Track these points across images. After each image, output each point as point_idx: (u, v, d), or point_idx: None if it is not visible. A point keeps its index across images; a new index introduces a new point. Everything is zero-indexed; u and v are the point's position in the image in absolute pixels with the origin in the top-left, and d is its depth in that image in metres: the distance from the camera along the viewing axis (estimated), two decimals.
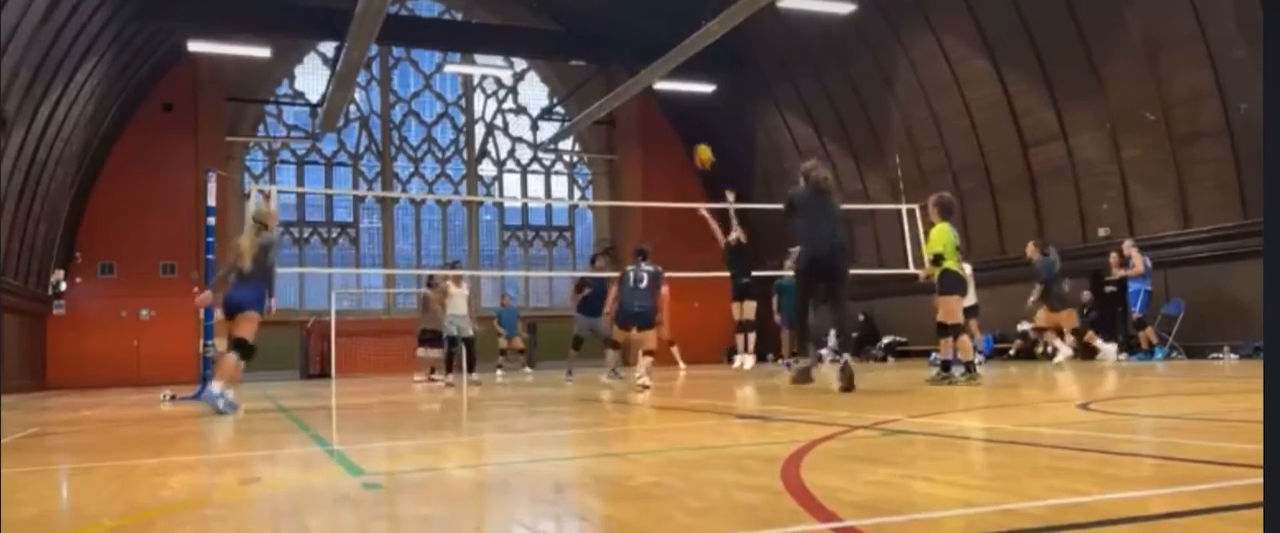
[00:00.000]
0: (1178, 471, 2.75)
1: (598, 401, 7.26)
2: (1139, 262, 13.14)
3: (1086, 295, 14.78)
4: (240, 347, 7.29)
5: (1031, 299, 12.66)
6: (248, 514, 2.59)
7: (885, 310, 19.66)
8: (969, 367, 7.68)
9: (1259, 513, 1.44)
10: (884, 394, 7.11)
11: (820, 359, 8.29)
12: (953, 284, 7.84)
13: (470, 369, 12.23)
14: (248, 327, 7.30)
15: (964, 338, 7.77)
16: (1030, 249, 12.79)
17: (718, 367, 17.61)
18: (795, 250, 7.90)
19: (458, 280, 12.51)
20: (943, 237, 7.78)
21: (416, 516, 2.43)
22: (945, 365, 7.71)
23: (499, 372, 15.35)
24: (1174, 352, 13.09)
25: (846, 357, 6.86)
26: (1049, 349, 12.97)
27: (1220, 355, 12.42)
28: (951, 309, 7.84)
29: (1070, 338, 12.24)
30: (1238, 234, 12.73)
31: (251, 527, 2.46)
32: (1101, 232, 15.05)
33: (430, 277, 14.06)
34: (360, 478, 3.11)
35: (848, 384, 6.64)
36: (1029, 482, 2.49)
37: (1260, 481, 1.42)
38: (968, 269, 13.82)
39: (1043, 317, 12.60)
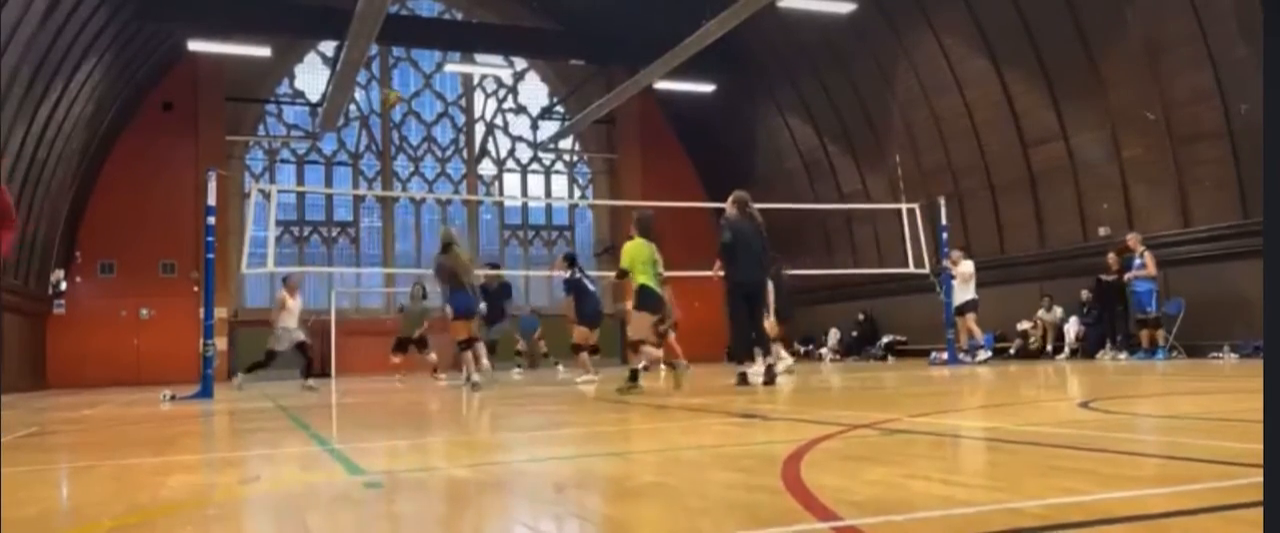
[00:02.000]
0: (1178, 470, 2.75)
1: (597, 400, 7.27)
2: (1151, 263, 13.12)
3: (1085, 295, 14.78)
4: (461, 345, 10.03)
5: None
6: (248, 514, 2.59)
7: (885, 310, 19.66)
8: (633, 375, 7.90)
9: (1259, 513, 1.44)
10: (884, 394, 7.11)
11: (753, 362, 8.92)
12: (645, 301, 7.94)
13: (306, 375, 12.31)
14: (457, 331, 10.00)
15: (650, 348, 8.07)
16: (559, 264, 12.91)
17: (717, 366, 17.60)
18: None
19: (293, 292, 12.31)
20: (634, 253, 7.97)
21: (417, 515, 2.43)
22: (633, 375, 7.89)
23: (516, 371, 15.53)
24: (1174, 351, 13.08)
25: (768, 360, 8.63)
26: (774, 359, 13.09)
27: (1220, 355, 12.41)
28: (639, 326, 7.98)
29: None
30: (1238, 234, 12.73)
31: (251, 527, 2.46)
32: (1102, 231, 15.05)
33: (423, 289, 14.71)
34: (360, 477, 3.11)
35: (769, 380, 8.30)
36: (1029, 482, 2.49)
37: (1260, 480, 1.42)
38: (969, 267, 13.88)
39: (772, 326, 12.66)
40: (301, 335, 12.12)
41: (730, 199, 8.83)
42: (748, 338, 8.64)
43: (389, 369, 15.14)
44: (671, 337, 16.44)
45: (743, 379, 8.43)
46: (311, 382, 11.91)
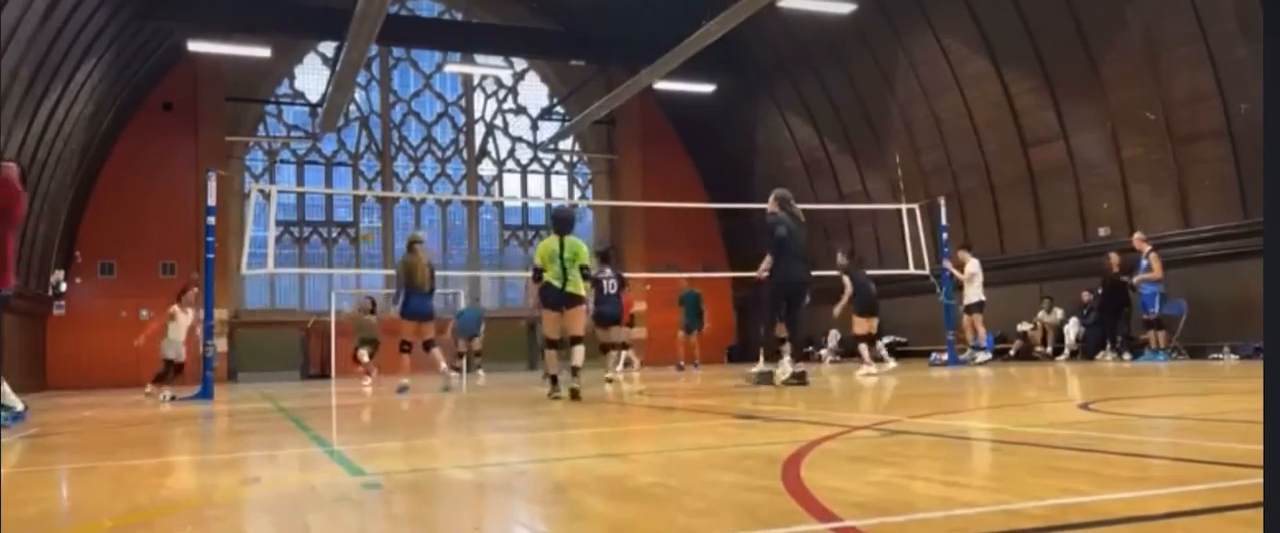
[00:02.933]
0: (1178, 471, 2.75)
1: (597, 401, 7.27)
2: (1157, 265, 13.09)
3: (1086, 296, 14.77)
4: (425, 345, 10.20)
5: (841, 307, 12.43)
6: (248, 514, 2.59)
7: (885, 310, 19.51)
8: (553, 380, 7.69)
9: (1259, 513, 1.44)
10: (884, 395, 7.11)
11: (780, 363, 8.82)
12: (545, 298, 7.71)
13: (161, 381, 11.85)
14: (402, 329, 10.19)
15: (578, 348, 7.83)
16: (841, 258, 12.80)
17: (719, 367, 17.59)
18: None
19: (183, 306, 11.76)
20: (541, 249, 7.86)
21: (416, 516, 2.43)
22: (554, 380, 7.65)
23: (453, 374, 14.42)
24: (1176, 352, 13.07)
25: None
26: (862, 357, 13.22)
27: (1220, 356, 12.41)
28: (548, 324, 7.78)
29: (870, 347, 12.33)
30: (1238, 234, 12.73)
31: (251, 527, 2.46)
32: (1102, 232, 15.05)
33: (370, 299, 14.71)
34: (360, 478, 3.11)
35: (801, 380, 8.20)
36: (1029, 482, 2.49)
37: (1260, 481, 1.42)
38: (975, 265, 13.84)
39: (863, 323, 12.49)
40: (181, 353, 11.34)
41: (773, 198, 8.80)
42: (773, 337, 8.57)
43: (359, 371, 14.83)
44: (693, 337, 16.30)
45: (766, 378, 8.29)
46: (150, 386, 11.35)
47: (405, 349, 10.23)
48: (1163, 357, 12.93)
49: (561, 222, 7.94)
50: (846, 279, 12.08)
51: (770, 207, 8.79)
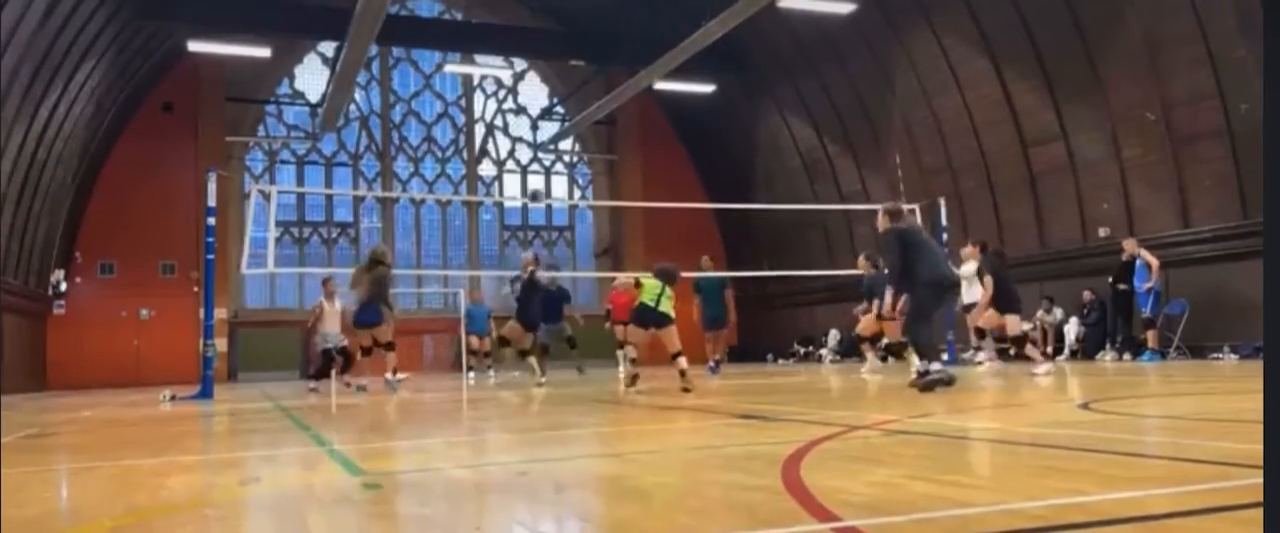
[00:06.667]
0: (1178, 470, 2.75)
1: (598, 401, 7.27)
2: (1156, 268, 13.05)
3: (1087, 295, 14.75)
4: (365, 352, 11.07)
5: (862, 308, 12.76)
6: (248, 514, 2.59)
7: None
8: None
9: (1259, 513, 1.44)
10: (884, 394, 7.11)
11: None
12: (640, 317, 8.48)
13: (344, 372, 12.10)
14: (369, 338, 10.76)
15: (682, 359, 8.40)
16: (862, 263, 12.67)
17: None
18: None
19: (330, 298, 12.11)
20: (647, 287, 8.54)
21: (416, 516, 2.43)
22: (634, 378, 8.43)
23: (471, 374, 14.27)
24: (1177, 352, 13.05)
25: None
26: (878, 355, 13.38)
27: (1220, 355, 12.41)
28: (633, 335, 8.68)
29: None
30: (1238, 234, 12.72)
31: (251, 527, 2.46)
32: (1102, 232, 15.04)
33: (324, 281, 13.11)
34: (360, 478, 3.10)
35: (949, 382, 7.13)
36: (1029, 482, 2.49)
37: (1260, 481, 1.42)
38: (970, 267, 13.80)
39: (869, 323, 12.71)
40: (343, 341, 11.70)
41: (883, 213, 7.76)
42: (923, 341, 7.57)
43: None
44: (715, 334, 15.63)
45: (945, 380, 6.95)
46: (314, 384, 11.63)
47: (365, 353, 11.27)
48: (1149, 357, 12.89)
49: (670, 278, 8.61)
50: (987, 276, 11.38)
51: (882, 223, 7.70)
